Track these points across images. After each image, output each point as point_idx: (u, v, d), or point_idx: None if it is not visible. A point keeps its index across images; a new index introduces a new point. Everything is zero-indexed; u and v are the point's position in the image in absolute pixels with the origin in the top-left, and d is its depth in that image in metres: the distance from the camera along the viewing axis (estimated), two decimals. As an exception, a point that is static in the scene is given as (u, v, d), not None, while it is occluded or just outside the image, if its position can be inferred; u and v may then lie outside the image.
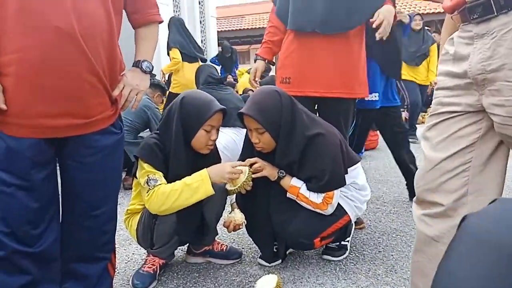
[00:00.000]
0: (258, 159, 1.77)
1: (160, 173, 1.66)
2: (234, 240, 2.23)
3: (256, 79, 2.29)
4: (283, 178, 1.76)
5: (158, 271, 1.78)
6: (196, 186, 1.60)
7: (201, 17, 11.34)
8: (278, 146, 1.72)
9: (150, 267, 1.76)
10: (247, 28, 15.66)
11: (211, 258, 1.95)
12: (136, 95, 1.41)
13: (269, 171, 1.76)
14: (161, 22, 1.53)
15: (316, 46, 2.04)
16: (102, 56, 1.27)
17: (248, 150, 1.86)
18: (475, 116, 1.07)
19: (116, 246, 2.15)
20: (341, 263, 1.91)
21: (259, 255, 1.96)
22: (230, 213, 1.83)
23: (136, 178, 1.73)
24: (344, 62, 2.04)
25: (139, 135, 3.40)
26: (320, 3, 1.97)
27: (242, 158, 1.84)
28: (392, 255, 1.97)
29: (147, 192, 1.62)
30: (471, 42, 1.02)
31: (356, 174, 1.82)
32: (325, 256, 1.94)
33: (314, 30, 1.99)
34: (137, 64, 1.44)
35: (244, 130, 3.07)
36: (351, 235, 2.02)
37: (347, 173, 1.73)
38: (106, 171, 1.38)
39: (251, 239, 2.21)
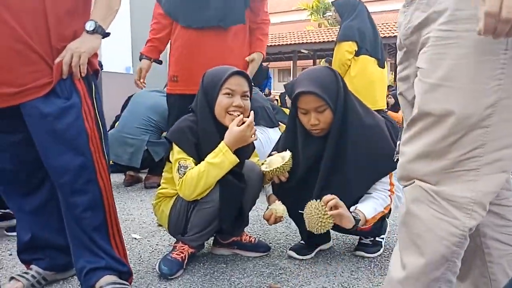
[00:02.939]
0: (335, 196, 1.53)
1: (191, 159, 1.61)
2: (260, 235, 2.14)
3: (142, 80, 2.24)
4: (359, 220, 1.56)
5: (186, 260, 1.70)
6: (219, 161, 1.54)
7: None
8: (333, 125, 1.61)
9: (179, 255, 1.68)
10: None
11: (238, 250, 1.87)
12: (80, 58, 1.33)
13: (346, 214, 1.52)
14: None
15: (206, 41, 2.10)
16: (29, 23, 1.25)
17: (290, 139, 1.75)
18: None
19: (139, 237, 2.12)
20: (375, 259, 1.81)
21: (289, 247, 1.87)
22: (270, 205, 1.75)
23: (170, 161, 1.70)
24: (231, 58, 2.08)
25: (162, 135, 3.38)
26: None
27: (284, 147, 1.74)
28: (429, 254, 1.87)
29: (178, 181, 1.59)
30: (404, 10, 1.03)
31: None
32: (358, 253, 1.84)
33: (209, 25, 2.09)
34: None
35: (269, 129, 3.05)
36: (386, 233, 1.93)
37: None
38: (54, 140, 1.33)
39: (278, 234, 2.14)
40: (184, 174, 1.57)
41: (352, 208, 1.61)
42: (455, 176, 0.88)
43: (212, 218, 1.64)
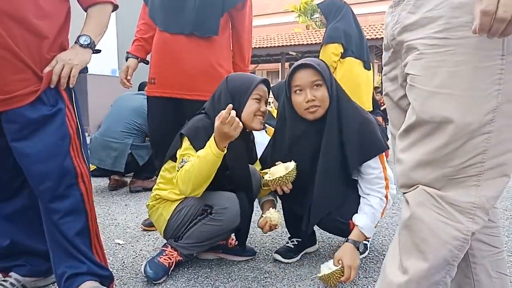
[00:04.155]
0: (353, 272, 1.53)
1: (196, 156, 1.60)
2: (246, 239, 2.13)
3: (128, 77, 2.23)
4: (357, 240, 1.59)
5: (172, 267, 1.67)
6: (205, 154, 1.52)
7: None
8: (330, 107, 1.63)
9: (166, 260, 1.66)
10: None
11: (223, 254, 1.85)
12: (71, 70, 1.36)
13: (352, 254, 1.56)
14: (110, 2, 1.49)
15: (180, 47, 2.07)
16: (17, 32, 1.25)
17: (279, 138, 1.78)
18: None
19: (123, 243, 2.09)
20: (360, 261, 1.81)
21: (274, 251, 1.86)
22: (264, 212, 1.74)
23: (174, 161, 1.71)
24: (208, 65, 2.07)
25: (147, 138, 3.35)
26: (191, 5, 2.02)
27: (274, 145, 1.79)
28: (414, 256, 1.87)
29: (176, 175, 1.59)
30: (391, 11, 1.04)
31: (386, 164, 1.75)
32: (344, 255, 1.84)
33: (182, 32, 2.04)
34: (76, 39, 1.42)
35: (256, 133, 3.03)
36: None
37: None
38: (38, 146, 1.33)
39: (264, 238, 2.13)
40: (181, 168, 1.57)
41: (354, 220, 1.61)
42: (458, 182, 0.88)
43: (215, 235, 1.65)
